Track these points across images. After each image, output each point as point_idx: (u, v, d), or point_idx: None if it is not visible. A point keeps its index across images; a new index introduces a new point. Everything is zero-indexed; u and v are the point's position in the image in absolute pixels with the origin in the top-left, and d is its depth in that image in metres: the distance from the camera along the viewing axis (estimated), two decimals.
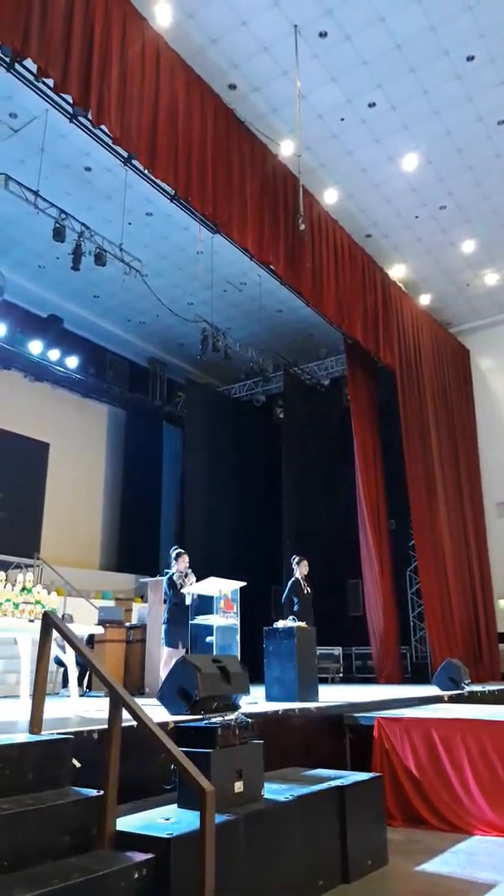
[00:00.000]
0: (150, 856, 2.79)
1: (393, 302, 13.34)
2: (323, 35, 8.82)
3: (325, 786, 4.14)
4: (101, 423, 17.01)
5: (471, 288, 14.59)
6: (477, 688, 9.43)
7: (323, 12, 8.52)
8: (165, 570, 8.03)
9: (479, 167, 11.11)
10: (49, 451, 13.94)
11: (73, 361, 14.88)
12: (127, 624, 9.79)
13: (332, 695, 8.02)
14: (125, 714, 3.10)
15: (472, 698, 8.76)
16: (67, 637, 3.54)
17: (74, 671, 5.98)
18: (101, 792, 3.00)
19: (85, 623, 8.17)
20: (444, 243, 13.08)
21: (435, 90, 9.63)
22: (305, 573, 8.50)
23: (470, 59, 9.15)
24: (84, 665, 6.94)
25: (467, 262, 13.68)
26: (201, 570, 8.02)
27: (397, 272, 13.73)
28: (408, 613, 14.28)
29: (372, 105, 9.87)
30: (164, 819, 3.21)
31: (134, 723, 3.06)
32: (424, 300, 14.72)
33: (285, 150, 10.39)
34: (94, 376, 16.02)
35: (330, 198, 11.59)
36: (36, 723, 3.44)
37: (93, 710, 5.44)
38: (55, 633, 3.60)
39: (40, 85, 7.65)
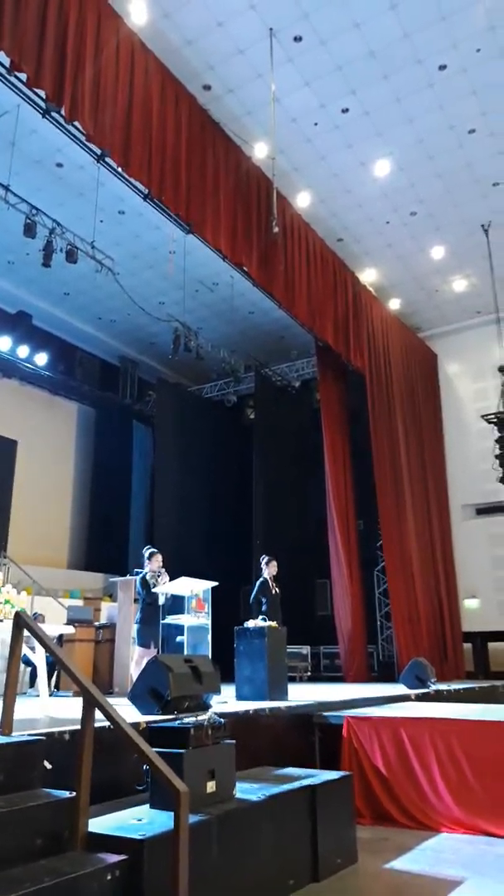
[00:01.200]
0: (122, 857, 2.79)
1: (363, 306, 13.46)
2: (298, 39, 8.87)
3: (295, 785, 4.17)
4: (70, 421, 16.86)
5: (439, 294, 14.79)
6: (443, 686, 9.58)
7: (298, 17, 8.57)
8: (136, 570, 7.98)
9: (450, 175, 11.27)
10: (17, 448, 13.76)
11: (42, 358, 14.73)
12: (96, 623, 9.73)
13: (300, 694, 8.06)
14: (97, 714, 3.09)
15: (439, 697, 8.89)
16: (39, 637, 3.52)
17: (44, 671, 5.92)
18: (74, 793, 2.98)
19: (54, 622, 8.09)
20: (414, 249, 13.24)
21: (408, 98, 9.75)
22: (274, 573, 8.53)
23: (442, 67, 9.28)
24: (53, 665, 6.89)
25: (436, 269, 13.86)
26: (170, 570, 8.00)
27: (368, 276, 13.87)
28: (375, 613, 14.43)
29: (345, 111, 9.96)
30: (137, 820, 3.21)
31: (105, 723, 3.05)
32: (394, 305, 14.89)
33: (259, 152, 10.42)
34: (64, 374, 15.87)
35: (303, 201, 11.66)
36: (7, 724, 3.41)
37: (62, 711, 5.40)
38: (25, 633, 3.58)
39: (12, 79, 7.54)
